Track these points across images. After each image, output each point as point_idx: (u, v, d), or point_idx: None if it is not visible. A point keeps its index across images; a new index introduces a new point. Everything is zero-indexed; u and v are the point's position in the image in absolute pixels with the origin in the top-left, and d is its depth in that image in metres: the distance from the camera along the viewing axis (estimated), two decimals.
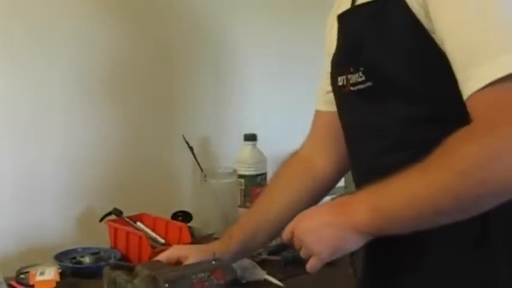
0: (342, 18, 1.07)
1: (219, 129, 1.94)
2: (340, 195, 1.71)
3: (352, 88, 1.01)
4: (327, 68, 1.16)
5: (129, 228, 1.55)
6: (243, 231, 1.26)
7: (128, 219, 1.59)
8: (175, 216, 1.68)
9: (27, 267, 1.40)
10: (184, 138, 1.75)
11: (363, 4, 0.99)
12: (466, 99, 0.85)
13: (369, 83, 0.98)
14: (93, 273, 1.38)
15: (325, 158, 1.27)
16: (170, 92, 1.84)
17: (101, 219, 1.60)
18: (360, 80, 0.99)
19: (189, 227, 1.57)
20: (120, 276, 1.19)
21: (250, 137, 1.82)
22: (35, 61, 1.60)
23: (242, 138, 1.82)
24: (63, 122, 1.65)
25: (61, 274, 1.37)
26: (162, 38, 1.81)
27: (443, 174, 0.83)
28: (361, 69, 0.98)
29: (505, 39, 0.81)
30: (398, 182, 0.88)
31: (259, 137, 1.83)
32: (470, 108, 0.84)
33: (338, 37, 1.10)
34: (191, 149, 1.75)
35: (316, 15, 2.09)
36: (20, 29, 1.57)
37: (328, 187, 1.29)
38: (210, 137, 1.91)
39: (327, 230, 0.95)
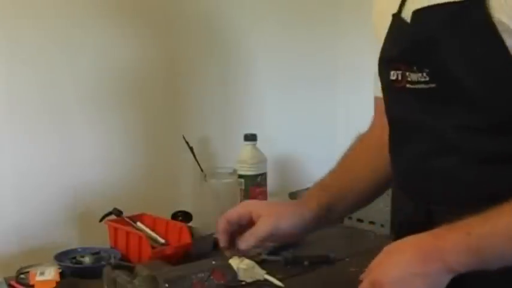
0: (416, 14, 1.00)
1: (219, 129, 1.94)
2: None
3: (409, 86, 0.98)
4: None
5: (129, 228, 1.56)
6: (329, 192, 1.15)
7: (128, 219, 1.59)
8: (175, 216, 1.68)
9: (27, 267, 1.40)
10: (184, 138, 1.75)
11: (444, 4, 0.94)
12: None
13: (433, 85, 0.95)
14: (93, 273, 1.38)
15: None
16: (170, 92, 1.84)
17: (101, 219, 1.60)
18: (422, 79, 0.96)
19: (189, 227, 1.58)
20: (120, 276, 1.19)
21: (250, 137, 1.82)
22: (39, 64, 1.60)
23: (242, 138, 1.82)
24: (63, 122, 1.65)
25: (61, 274, 1.37)
26: (163, 39, 1.81)
27: None
28: (427, 70, 0.95)
29: None
30: (499, 218, 0.85)
31: (259, 137, 1.83)
32: None
33: (391, 36, 1.05)
34: (191, 149, 1.75)
35: (317, 15, 2.10)
36: (30, 33, 1.57)
37: None
38: (210, 137, 1.91)
39: (418, 281, 0.87)
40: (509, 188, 0.88)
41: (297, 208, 1.11)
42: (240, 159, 1.81)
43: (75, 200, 1.67)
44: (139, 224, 1.60)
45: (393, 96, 1.06)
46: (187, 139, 1.75)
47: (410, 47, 0.99)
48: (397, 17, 1.04)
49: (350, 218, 1.76)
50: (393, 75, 1.02)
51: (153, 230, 1.59)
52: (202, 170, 1.74)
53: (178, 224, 1.60)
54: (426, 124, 0.99)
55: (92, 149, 1.69)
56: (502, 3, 0.87)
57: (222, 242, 1.09)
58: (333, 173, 1.20)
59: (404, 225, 1.08)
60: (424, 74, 0.96)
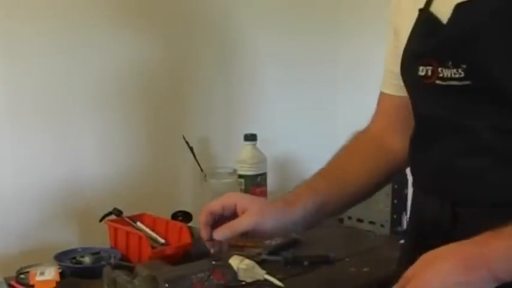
0: (458, 8, 0.97)
1: (219, 129, 1.94)
2: None
3: (439, 82, 0.96)
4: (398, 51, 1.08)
5: (129, 228, 1.55)
6: (318, 193, 1.11)
7: (128, 219, 1.59)
8: (175, 216, 1.68)
9: (27, 267, 1.40)
10: (184, 138, 1.75)
11: None
12: None
13: (468, 82, 0.92)
14: (93, 273, 1.38)
15: (396, 140, 1.17)
16: (170, 92, 1.84)
17: (101, 219, 1.60)
18: (456, 76, 0.93)
19: (189, 227, 1.57)
20: (120, 276, 1.19)
21: (250, 137, 1.82)
22: (39, 63, 1.60)
23: (242, 138, 1.82)
24: (64, 123, 1.65)
25: (61, 274, 1.37)
26: (163, 39, 1.81)
27: None
28: (464, 66, 0.92)
29: None
30: None
31: (259, 137, 1.83)
32: None
33: (429, 25, 1.02)
34: (191, 149, 1.75)
35: (318, 15, 2.10)
36: (29, 32, 1.57)
37: (398, 169, 1.21)
38: (210, 137, 1.91)
39: None
40: None
41: (282, 209, 1.08)
42: (240, 159, 1.81)
43: (75, 200, 1.67)
44: (139, 224, 1.60)
45: (421, 93, 1.03)
46: (187, 139, 1.75)
47: (448, 42, 0.96)
48: (425, 11, 1.02)
49: (350, 218, 1.76)
50: (422, 70, 0.99)
51: (153, 230, 1.59)
52: (202, 170, 1.74)
53: (178, 224, 1.60)
54: (457, 122, 0.96)
55: (92, 149, 1.70)
56: None
57: (204, 234, 1.07)
58: (323, 171, 1.16)
59: (428, 226, 1.05)
60: (460, 70, 0.93)
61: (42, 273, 1.35)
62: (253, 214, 1.04)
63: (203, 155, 1.82)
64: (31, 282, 1.33)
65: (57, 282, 1.33)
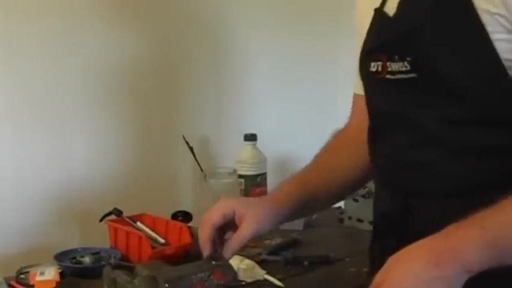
0: (401, 3, 0.99)
1: (219, 129, 1.94)
2: None
3: (389, 76, 0.97)
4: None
5: (129, 228, 1.55)
6: (305, 190, 1.14)
7: (128, 219, 1.59)
8: (175, 216, 1.68)
9: (27, 267, 1.40)
10: (184, 138, 1.75)
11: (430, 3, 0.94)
12: None
13: (413, 74, 0.94)
14: (93, 273, 1.38)
15: None
16: (170, 92, 1.85)
17: (101, 219, 1.60)
18: (403, 69, 0.95)
19: (189, 227, 1.57)
20: (120, 276, 1.19)
21: (250, 137, 1.82)
22: (39, 63, 1.60)
23: (242, 138, 1.82)
24: (63, 123, 1.65)
25: (61, 274, 1.37)
26: (163, 39, 1.81)
27: None
28: (408, 58, 0.94)
29: None
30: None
31: (259, 137, 1.83)
32: None
33: (379, 22, 1.04)
34: (191, 149, 1.75)
35: (317, 14, 2.10)
36: (23, 33, 1.57)
37: None
38: (210, 137, 1.91)
39: (438, 285, 0.81)
40: (490, 181, 0.86)
41: (274, 209, 1.10)
42: (239, 159, 1.81)
43: (75, 200, 1.67)
44: (139, 224, 1.60)
45: (373, 88, 1.05)
46: (187, 139, 1.75)
47: (394, 36, 0.99)
48: (379, 11, 1.04)
49: (350, 218, 1.76)
50: (373, 66, 1.01)
51: (153, 230, 1.59)
52: (202, 170, 1.74)
53: (178, 224, 1.60)
54: (406, 115, 0.97)
55: (92, 149, 1.70)
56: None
57: (207, 251, 1.07)
58: (309, 169, 1.19)
59: (381, 219, 1.07)
60: (405, 63, 0.94)
61: (42, 273, 1.35)
62: (253, 222, 1.06)
63: (203, 155, 1.82)
64: (31, 282, 1.33)
65: (57, 282, 1.33)
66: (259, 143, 1.83)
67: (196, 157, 1.75)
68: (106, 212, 1.60)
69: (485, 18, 0.87)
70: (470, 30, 0.88)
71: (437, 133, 0.94)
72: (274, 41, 2.01)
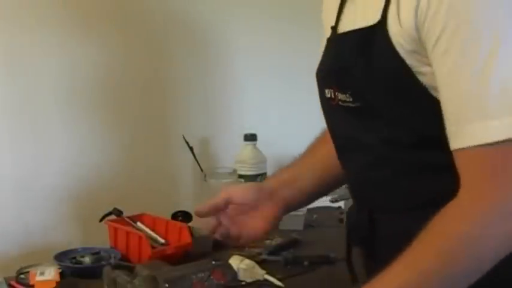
0: (330, 41, 1.08)
1: (219, 129, 1.94)
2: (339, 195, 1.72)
3: (341, 103, 1.02)
4: None
5: (129, 228, 1.55)
6: (283, 179, 1.20)
7: (128, 219, 1.59)
8: (175, 216, 1.68)
9: (27, 267, 1.40)
10: (184, 138, 1.75)
11: (351, 32, 1.00)
12: (454, 150, 0.85)
13: (358, 104, 0.98)
14: (93, 273, 1.38)
15: None
16: (170, 92, 1.85)
17: (101, 219, 1.60)
18: (348, 99, 1.00)
19: (189, 227, 1.57)
20: (120, 276, 1.19)
21: (250, 137, 1.82)
22: (35, 63, 1.60)
23: (242, 138, 1.82)
24: (64, 123, 1.65)
25: (61, 274, 1.38)
26: (163, 38, 1.81)
27: (430, 259, 0.84)
28: (349, 92, 0.99)
29: (505, 102, 0.81)
30: (390, 274, 0.87)
31: (259, 137, 1.83)
32: (458, 162, 0.85)
33: (325, 53, 1.10)
34: (191, 149, 1.75)
35: (316, 13, 2.10)
36: (20, 30, 1.57)
37: None
38: (210, 137, 1.91)
39: None
40: (437, 196, 0.88)
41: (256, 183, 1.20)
42: (239, 159, 1.81)
43: (75, 200, 1.67)
44: (139, 224, 1.60)
45: (329, 112, 1.09)
46: (187, 139, 1.76)
47: (332, 72, 1.04)
48: (333, 32, 1.08)
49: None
50: (327, 93, 1.05)
51: (153, 230, 1.59)
52: (202, 170, 1.74)
53: (178, 224, 1.60)
54: (358, 139, 1.02)
55: (92, 149, 1.70)
56: (399, 29, 0.89)
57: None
58: (303, 160, 1.25)
59: (352, 232, 1.13)
60: (348, 95, 0.99)
61: (42, 273, 1.35)
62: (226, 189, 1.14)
63: (203, 155, 1.82)
64: (31, 282, 1.33)
65: (57, 282, 1.33)
66: (259, 143, 1.83)
67: (196, 157, 1.75)
68: (106, 212, 1.60)
69: (401, 50, 0.90)
70: (393, 68, 0.91)
71: (385, 154, 0.98)
72: (275, 41, 2.01)
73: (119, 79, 1.74)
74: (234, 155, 1.82)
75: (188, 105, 1.88)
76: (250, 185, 1.20)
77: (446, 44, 0.83)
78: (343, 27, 1.05)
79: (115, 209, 1.61)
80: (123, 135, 1.75)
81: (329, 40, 1.09)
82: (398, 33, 0.89)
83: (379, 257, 0.99)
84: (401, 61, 0.90)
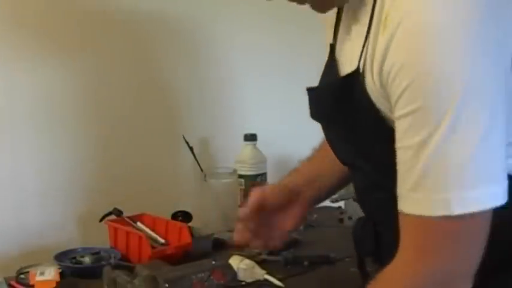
0: (312, 91, 1.12)
1: (219, 129, 1.94)
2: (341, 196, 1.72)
3: (333, 134, 1.06)
4: None
5: (129, 228, 1.55)
6: (300, 177, 1.23)
7: (128, 219, 1.59)
8: (175, 216, 1.68)
9: (27, 267, 1.40)
10: (184, 138, 1.75)
11: (333, 84, 1.02)
12: (399, 210, 0.87)
13: (344, 141, 1.02)
14: (93, 273, 1.38)
15: None
16: (170, 92, 1.84)
17: (101, 219, 1.60)
18: (338, 135, 1.04)
19: (189, 227, 1.57)
20: (120, 276, 1.19)
21: (250, 137, 1.82)
22: (35, 61, 1.60)
23: (242, 138, 1.82)
24: (63, 122, 1.65)
25: (61, 274, 1.37)
26: (162, 38, 1.81)
27: None
28: (335, 133, 1.05)
29: (454, 178, 0.81)
30: None
31: (259, 137, 1.83)
32: (400, 223, 0.87)
33: (316, 93, 1.13)
34: (191, 149, 1.75)
35: (315, 13, 2.10)
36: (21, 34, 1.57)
37: None
38: (210, 137, 1.91)
39: None
40: None
41: (280, 183, 1.21)
42: (239, 159, 1.81)
43: (75, 200, 1.67)
44: (139, 224, 1.60)
45: (327, 137, 1.13)
46: (187, 139, 1.76)
47: (317, 112, 1.11)
48: (330, 55, 1.10)
49: (350, 218, 1.76)
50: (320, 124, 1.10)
51: (153, 230, 1.59)
52: (202, 170, 1.74)
53: (178, 224, 1.60)
54: (354, 164, 1.05)
55: (92, 149, 1.70)
56: (372, 83, 0.89)
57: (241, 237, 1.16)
58: (306, 160, 1.27)
59: (358, 243, 1.17)
60: (335, 135, 1.05)
61: (42, 273, 1.35)
62: (257, 189, 1.17)
63: (203, 155, 1.82)
64: (31, 282, 1.33)
65: (57, 282, 1.33)
66: (259, 143, 1.83)
67: (196, 157, 1.75)
68: (106, 212, 1.60)
69: (375, 99, 0.90)
70: (365, 111, 0.92)
71: (378, 180, 0.99)
72: (276, 41, 2.01)
73: (119, 79, 1.74)
74: (234, 155, 1.82)
75: (188, 105, 1.88)
76: (279, 186, 1.20)
77: (400, 111, 0.83)
78: (339, 52, 1.07)
79: (115, 209, 1.61)
80: (123, 135, 1.75)
81: (325, 65, 1.12)
82: (371, 83, 0.90)
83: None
84: (378, 117, 0.90)
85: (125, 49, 1.74)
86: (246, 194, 1.78)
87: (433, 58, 0.78)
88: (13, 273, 1.39)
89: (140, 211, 1.65)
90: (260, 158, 1.82)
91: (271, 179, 1.85)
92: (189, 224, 1.63)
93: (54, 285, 1.32)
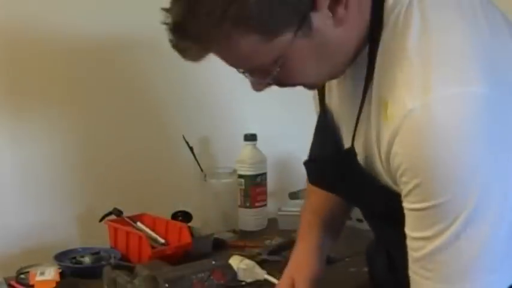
0: (312, 163, 1.13)
1: (219, 129, 1.93)
2: None
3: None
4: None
5: (129, 228, 1.56)
6: (319, 216, 1.22)
7: (128, 219, 1.59)
8: (175, 216, 1.68)
9: (27, 267, 1.40)
10: (184, 138, 1.75)
11: (328, 158, 1.04)
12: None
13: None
14: (93, 273, 1.38)
15: None
16: (170, 92, 1.84)
17: (101, 219, 1.60)
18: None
19: (189, 227, 1.57)
20: (120, 276, 1.19)
21: (250, 137, 1.82)
22: (34, 60, 1.60)
23: (242, 138, 1.82)
24: (63, 122, 1.65)
25: (61, 274, 1.38)
26: (162, 37, 1.81)
27: None
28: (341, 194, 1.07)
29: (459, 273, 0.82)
30: None
31: (259, 137, 1.83)
32: None
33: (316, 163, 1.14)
34: (191, 149, 1.75)
35: None
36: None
37: None
38: (210, 137, 1.91)
39: None
40: None
41: (316, 254, 1.20)
42: (239, 159, 1.81)
43: (75, 200, 1.67)
44: (139, 224, 1.60)
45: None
46: (187, 139, 1.75)
47: (324, 183, 1.11)
48: (322, 110, 1.11)
49: (350, 218, 1.75)
50: None
51: (153, 230, 1.59)
52: (202, 170, 1.74)
53: (178, 224, 1.60)
54: (354, 195, 1.05)
55: (92, 149, 1.70)
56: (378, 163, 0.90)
57: None
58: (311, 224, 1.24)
59: (371, 258, 1.20)
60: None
61: (42, 273, 1.35)
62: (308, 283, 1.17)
63: (203, 155, 1.82)
64: (31, 282, 1.33)
65: (57, 282, 1.33)
66: (259, 143, 1.83)
67: (196, 157, 1.75)
68: (106, 212, 1.60)
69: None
70: (370, 188, 0.94)
71: (381, 211, 1.01)
72: None
73: (119, 79, 1.74)
74: (234, 155, 1.82)
75: (188, 105, 1.88)
76: (319, 268, 1.20)
77: (410, 205, 0.84)
78: (330, 103, 1.08)
79: (115, 209, 1.61)
80: (123, 135, 1.75)
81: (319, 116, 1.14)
82: (380, 168, 0.90)
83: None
84: (382, 188, 0.91)
85: (124, 51, 1.74)
86: (246, 194, 1.78)
87: (448, 155, 0.78)
88: (13, 273, 1.39)
89: (140, 211, 1.65)
90: (260, 158, 1.82)
91: (271, 179, 1.85)
92: (189, 224, 1.63)
93: (54, 285, 1.32)
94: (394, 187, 0.88)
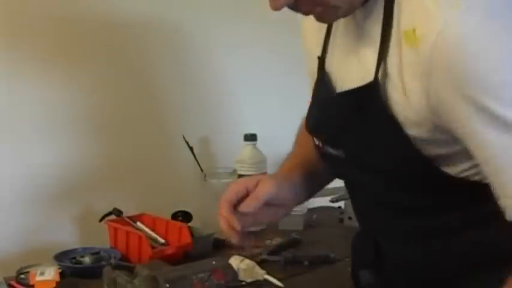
0: (325, 101, 1.06)
1: (219, 129, 1.94)
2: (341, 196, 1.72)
3: (330, 152, 1.02)
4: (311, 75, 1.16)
5: (129, 228, 1.56)
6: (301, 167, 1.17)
7: (128, 219, 1.59)
8: (175, 216, 1.68)
9: (27, 267, 1.40)
10: (184, 138, 1.75)
11: (347, 93, 0.97)
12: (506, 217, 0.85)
13: (350, 161, 0.99)
14: (93, 273, 1.38)
15: None
16: (170, 92, 1.84)
17: (101, 219, 1.60)
18: (339, 154, 1.00)
19: (189, 227, 1.58)
20: (120, 276, 1.19)
21: (250, 137, 1.82)
22: (35, 61, 1.60)
23: (242, 138, 1.82)
24: (63, 122, 1.65)
25: (61, 274, 1.38)
26: (163, 38, 1.81)
27: None
28: (341, 150, 0.99)
29: None
30: None
31: (259, 137, 1.83)
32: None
33: (316, 104, 1.10)
34: (191, 149, 1.75)
35: None
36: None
37: None
38: (210, 137, 1.91)
39: None
40: (438, 229, 0.95)
41: (290, 178, 1.13)
42: (239, 159, 1.81)
43: (75, 200, 1.67)
44: (139, 224, 1.60)
45: (321, 156, 1.08)
46: (187, 139, 1.75)
47: (325, 129, 1.03)
48: (321, 70, 1.07)
49: (350, 218, 1.76)
50: (316, 141, 1.06)
51: (153, 230, 1.59)
52: (202, 170, 1.74)
53: (178, 224, 1.60)
54: (356, 182, 1.04)
55: (92, 149, 1.70)
56: (403, 98, 0.87)
57: (224, 224, 1.08)
58: (297, 153, 1.24)
59: (357, 255, 1.17)
60: (340, 151, 0.99)
61: (42, 273, 1.35)
62: (270, 181, 1.06)
63: (203, 155, 1.82)
64: (31, 282, 1.33)
65: (57, 282, 1.33)
66: (259, 143, 1.83)
67: (196, 157, 1.75)
68: (106, 212, 1.60)
69: (402, 123, 0.89)
70: (388, 132, 0.91)
71: (385, 199, 0.99)
72: (276, 40, 2.01)
73: (119, 79, 1.74)
74: (234, 155, 1.82)
75: (188, 105, 1.88)
76: (288, 185, 1.11)
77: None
78: (331, 65, 1.04)
79: (115, 209, 1.61)
80: (123, 135, 1.75)
81: (319, 85, 1.09)
82: (401, 103, 0.88)
83: (387, 278, 1.04)
84: (399, 129, 0.89)
85: (125, 50, 1.74)
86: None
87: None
88: (13, 273, 1.39)
89: (140, 211, 1.65)
90: (260, 158, 1.82)
91: None
92: (189, 224, 1.63)
93: (54, 285, 1.32)
94: (410, 126, 0.87)
